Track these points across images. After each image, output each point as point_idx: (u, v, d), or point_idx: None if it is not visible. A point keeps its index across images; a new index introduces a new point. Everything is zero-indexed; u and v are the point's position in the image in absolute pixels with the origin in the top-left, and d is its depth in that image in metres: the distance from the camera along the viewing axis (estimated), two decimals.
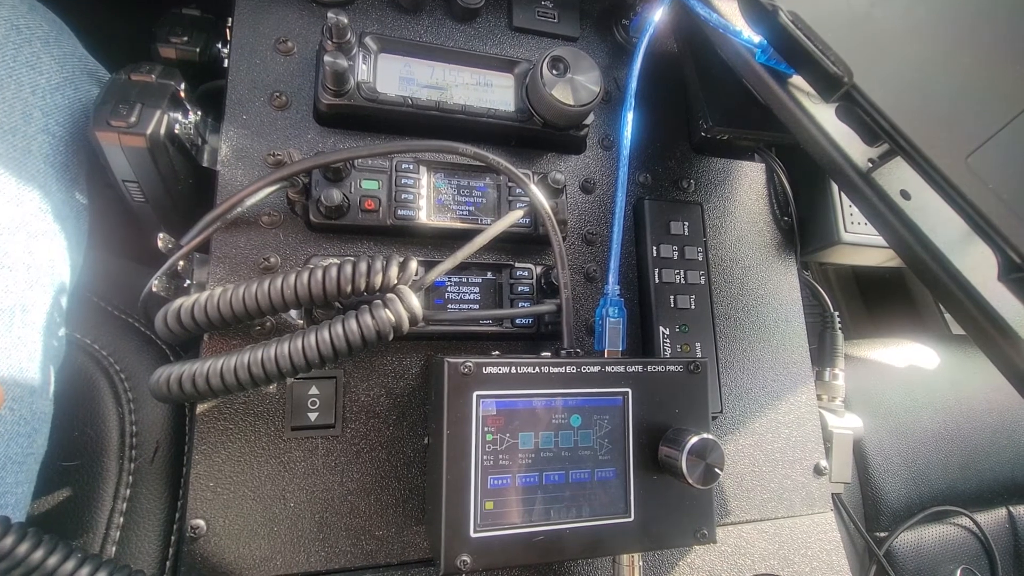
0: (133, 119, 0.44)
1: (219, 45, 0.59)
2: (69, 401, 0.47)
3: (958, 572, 0.80)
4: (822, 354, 0.70)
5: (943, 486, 0.85)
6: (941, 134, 0.32)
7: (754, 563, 0.58)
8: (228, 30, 0.55)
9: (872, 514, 0.81)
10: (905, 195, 0.44)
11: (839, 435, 0.66)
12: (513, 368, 0.44)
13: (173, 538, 0.47)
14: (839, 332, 0.71)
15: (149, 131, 0.45)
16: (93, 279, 0.53)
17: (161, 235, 0.45)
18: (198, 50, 0.57)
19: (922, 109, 0.32)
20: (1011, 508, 0.89)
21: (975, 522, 0.84)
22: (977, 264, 0.42)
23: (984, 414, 0.91)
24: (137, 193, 0.49)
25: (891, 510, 0.81)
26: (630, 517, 0.45)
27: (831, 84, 0.33)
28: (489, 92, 0.58)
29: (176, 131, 0.47)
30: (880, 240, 0.68)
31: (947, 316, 1.41)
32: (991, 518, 0.86)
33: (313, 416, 0.49)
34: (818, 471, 0.63)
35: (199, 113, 0.51)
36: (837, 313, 0.71)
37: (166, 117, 0.46)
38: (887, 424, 0.85)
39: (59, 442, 0.46)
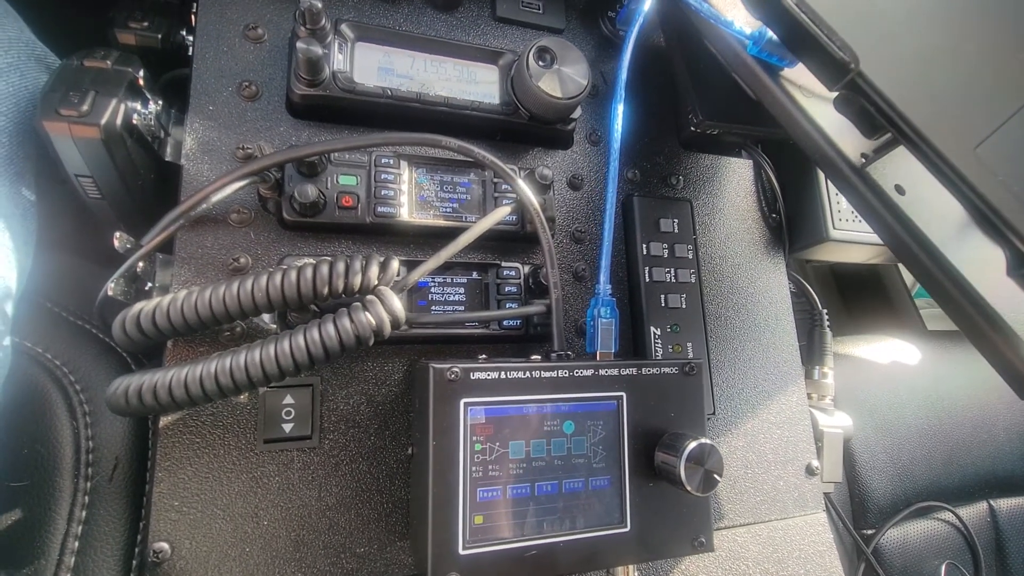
0: (85, 108, 0.41)
1: (183, 32, 0.55)
2: (17, 416, 0.43)
3: (943, 568, 0.81)
4: (811, 352, 0.70)
5: (927, 481, 0.85)
6: (949, 124, 0.31)
7: (748, 568, 0.57)
8: (193, 15, 0.51)
9: (859, 511, 0.81)
10: (900, 190, 0.43)
11: (830, 434, 0.65)
12: (502, 373, 0.41)
13: (134, 563, 0.43)
14: (828, 330, 0.70)
15: (104, 121, 0.41)
16: (46, 283, 0.49)
17: (118, 234, 0.41)
18: (160, 36, 0.53)
19: (929, 98, 0.31)
20: (991, 502, 0.90)
21: (958, 517, 0.84)
22: (972, 259, 0.41)
23: (965, 409, 0.92)
24: (92, 189, 0.45)
25: (878, 507, 0.81)
26: (626, 527, 0.43)
27: (837, 70, 0.31)
28: (473, 84, 0.56)
29: (134, 121, 0.44)
30: (868, 237, 0.68)
31: (923, 312, 1.44)
32: (973, 512, 0.87)
33: (288, 427, 0.46)
34: (810, 471, 0.62)
35: (160, 103, 0.48)
36: (825, 311, 0.70)
37: (123, 106, 0.42)
38: (872, 421, 0.85)
39: (6, 461, 0.42)
